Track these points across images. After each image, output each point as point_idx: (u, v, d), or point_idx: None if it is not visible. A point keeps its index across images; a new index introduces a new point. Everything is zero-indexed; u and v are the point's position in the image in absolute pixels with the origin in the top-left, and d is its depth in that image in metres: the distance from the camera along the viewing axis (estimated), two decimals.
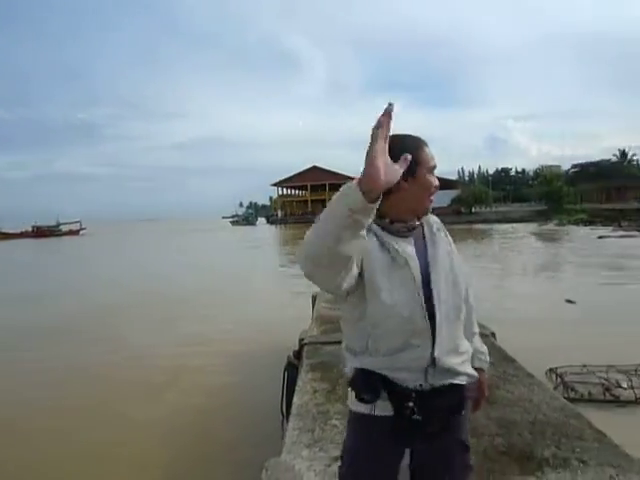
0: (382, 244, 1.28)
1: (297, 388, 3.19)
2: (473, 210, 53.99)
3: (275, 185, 75.06)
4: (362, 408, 1.29)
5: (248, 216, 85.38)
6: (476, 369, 1.40)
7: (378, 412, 1.26)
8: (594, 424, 2.56)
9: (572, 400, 4.09)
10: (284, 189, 78.01)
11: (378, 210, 1.01)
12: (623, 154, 74.99)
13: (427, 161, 1.33)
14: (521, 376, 3.32)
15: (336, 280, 1.11)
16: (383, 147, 0.94)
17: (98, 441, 4.28)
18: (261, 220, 76.34)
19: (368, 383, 1.26)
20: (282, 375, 4.20)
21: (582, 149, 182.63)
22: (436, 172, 1.37)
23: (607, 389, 4.54)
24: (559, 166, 78.36)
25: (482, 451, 2.33)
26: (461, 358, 1.34)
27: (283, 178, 73.83)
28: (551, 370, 4.98)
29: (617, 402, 4.38)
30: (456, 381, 1.31)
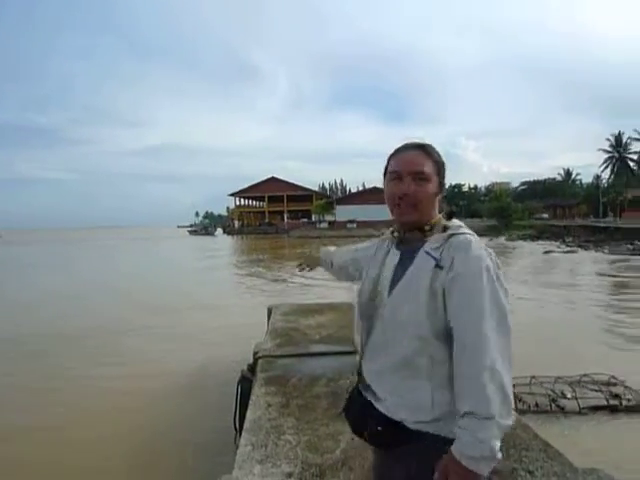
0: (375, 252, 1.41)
1: (250, 402, 3.11)
2: None
3: (233, 195, 74.27)
4: None
5: (207, 226, 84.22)
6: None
7: None
8: (540, 435, 2.63)
9: (520, 411, 4.21)
10: (242, 199, 77.30)
11: None
12: (568, 173, 79.43)
13: (390, 167, 1.29)
14: None
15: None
16: None
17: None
18: (218, 230, 75.37)
19: None
20: (235, 389, 4.11)
21: (530, 167, 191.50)
22: None
23: (553, 400, 4.70)
24: (509, 183, 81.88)
25: None
26: (393, 390, 1.24)
27: (241, 188, 73.20)
28: None
29: (562, 412, 4.54)
30: (378, 406, 1.27)
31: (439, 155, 1.29)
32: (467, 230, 1.24)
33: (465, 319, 1.12)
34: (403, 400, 1.22)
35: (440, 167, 1.28)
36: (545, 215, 59.27)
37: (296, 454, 2.41)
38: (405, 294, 1.20)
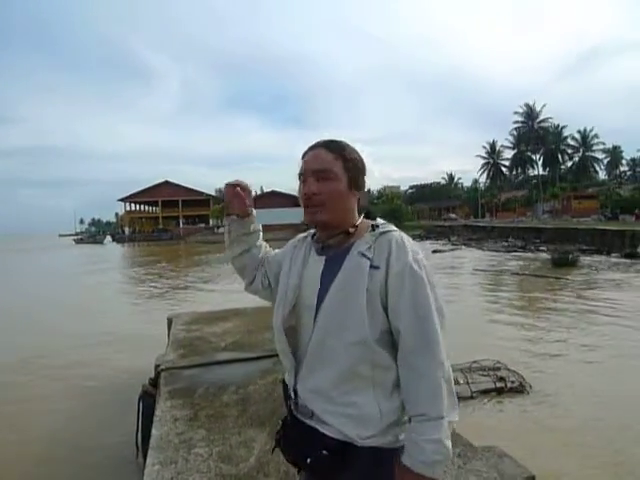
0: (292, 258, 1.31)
1: (155, 418, 2.94)
2: None
3: (122, 200, 70.04)
4: None
5: (95, 234, 78.57)
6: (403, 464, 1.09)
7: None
8: None
9: None
10: (132, 205, 73.10)
11: None
12: (451, 177, 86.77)
13: (299, 170, 1.24)
14: None
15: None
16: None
17: None
18: (108, 238, 70.44)
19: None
20: (137, 406, 3.87)
21: (417, 172, 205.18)
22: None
23: None
24: (399, 186, 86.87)
25: None
26: (335, 408, 1.14)
27: (131, 193, 69.24)
28: None
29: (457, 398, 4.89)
30: (320, 428, 1.16)
31: (352, 152, 1.23)
32: (394, 227, 1.22)
33: (412, 318, 1.08)
34: (349, 416, 1.12)
35: (352, 164, 1.21)
36: (453, 215, 62.10)
37: (209, 467, 2.32)
38: (339, 300, 1.13)
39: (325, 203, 1.17)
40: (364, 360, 1.10)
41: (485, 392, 4.99)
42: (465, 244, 30.09)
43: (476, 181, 73.83)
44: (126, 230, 71.21)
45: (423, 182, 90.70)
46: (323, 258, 1.22)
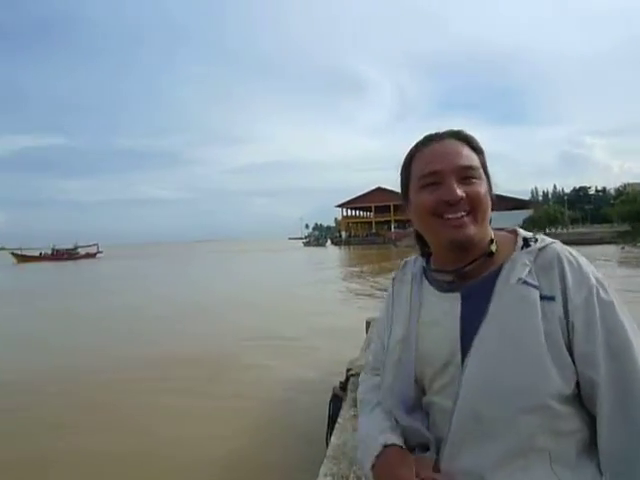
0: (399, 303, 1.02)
1: (337, 425, 2.89)
2: (547, 231, 51.15)
3: (339, 206, 75.61)
4: None
5: (318, 237, 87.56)
6: None
7: None
8: None
9: None
10: (348, 210, 78.21)
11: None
12: None
13: (417, 172, 0.93)
14: None
15: None
16: None
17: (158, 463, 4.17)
18: (328, 241, 77.58)
19: None
20: (328, 408, 3.93)
21: None
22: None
23: None
24: None
25: None
26: None
27: (347, 199, 74.10)
28: None
29: None
30: None
31: (478, 143, 0.95)
32: (549, 239, 0.90)
33: (610, 361, 0.79)
34: None
35: (484, 157, 0.94)
36: None
37: None
38: (502, 351, 0.81)
39: (474, 211, 0.88)
40: (542, 429, 0.79)
41: None
42: None
43: None
44: (343, 234, 76.60)
45: None
46: (457, 295, 0.90)
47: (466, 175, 0.89)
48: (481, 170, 0.92)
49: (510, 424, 0.80)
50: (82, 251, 62.17)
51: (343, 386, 3.85)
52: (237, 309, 12.83)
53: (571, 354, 0.80)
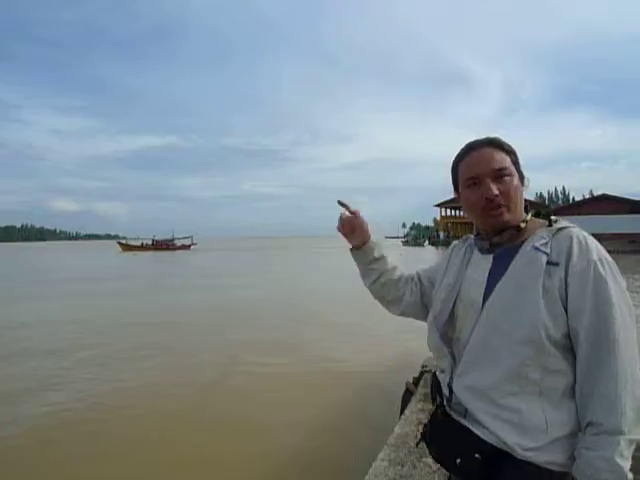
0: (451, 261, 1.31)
1: (402, 416, 2.98)
2: None
3: (438, 206, 73.37)
4: None
5: (416, 237, 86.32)
6: None
7: None
8: None
9: None
10: (447, 210, 75.69)
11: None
12: None
13: (463, 175, 1.21)
14: None
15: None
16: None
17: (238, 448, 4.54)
18: (426, 242, 75.80)
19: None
20: (400, 401, 4.00)
21: None
22: (627, 194, 1.09)
23: None
24: None
25: None
26: (495, 410, 1.06)
27: (447, 199, 71.75)
28: None
29: None
30: (473, 429, 1.09)
31: (508, 145, 1.20)
32: (573, 225, 1.13)
33: (593, 317, 1.00)
34: (509, 422, 1.04)
35: (515, 157, 1.19)
36: None
37: None
38: (509, 296, 1.07)
39: (509, 203, 1.14)
40: (533, 362, 1.02)
41: None
42: None
43: None
44: (441, 234, 74.34)
45: None
46: (490, 257, 1.18)
47: (500, 175, 1.14)
48: (512, 167, 1.16)
49: (509, 352, 1.03)
50: (178, 242, 68.90)
51: (416, 381, 3.89)
52: (333, 306, 13.11)
53: (566, 310, 1.02)
